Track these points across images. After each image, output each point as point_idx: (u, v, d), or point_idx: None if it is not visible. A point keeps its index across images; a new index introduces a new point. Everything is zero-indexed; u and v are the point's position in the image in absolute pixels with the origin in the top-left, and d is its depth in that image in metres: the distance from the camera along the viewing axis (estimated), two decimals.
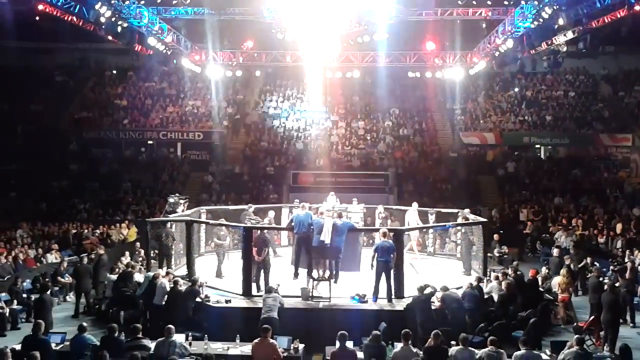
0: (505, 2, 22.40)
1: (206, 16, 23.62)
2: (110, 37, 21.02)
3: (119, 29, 19.57)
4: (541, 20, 18.72)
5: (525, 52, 23.63)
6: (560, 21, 18.74)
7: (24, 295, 14.57)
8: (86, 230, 22.27)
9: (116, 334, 9.76)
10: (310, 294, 12.36)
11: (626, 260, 16.72)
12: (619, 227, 21.23)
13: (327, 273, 12.53)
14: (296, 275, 13.04)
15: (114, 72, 35.85)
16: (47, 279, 15.42)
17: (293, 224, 13.07)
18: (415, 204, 18.12)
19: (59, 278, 16.08)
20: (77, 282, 14.98)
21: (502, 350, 9.07)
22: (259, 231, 13.50)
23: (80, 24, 20.37)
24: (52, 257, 18.53)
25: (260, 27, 24.35)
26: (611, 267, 15.68)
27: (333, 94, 33.26)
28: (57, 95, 33.65)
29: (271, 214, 17.27)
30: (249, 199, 23.14)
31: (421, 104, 34.70)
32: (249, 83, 34.59)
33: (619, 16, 19.47)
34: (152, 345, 9.59)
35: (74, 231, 22.17)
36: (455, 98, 32.82)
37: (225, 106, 33.56)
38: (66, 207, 26.09)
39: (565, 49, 22.18)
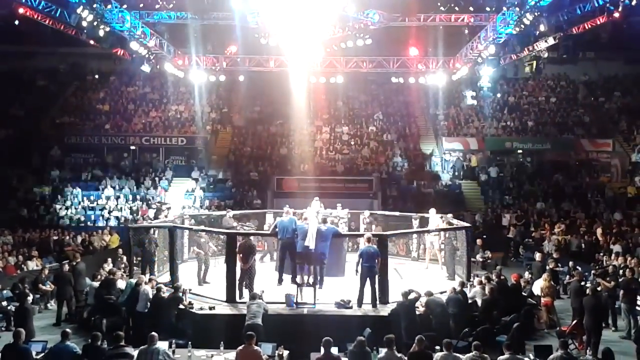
0: (487, 9, 22.60)
1: (189, 21, 23.53)
2: (92, 42, 20.86)
3: (101, 33, 19.43)
4: (522, 26, 18.96)
5: (507, 58, 23.91)
6: (542, 27, 18.98)
7: (4, 304, 14.32)
8: (67, 237, 22.03)
9: (99, 342, 9.64)
10: (295, 300, 12.31)
11: (606, 264, 16.96)
12: (599, 231, 21.46)
13: (312, 279, 12.50)
14: (280, 281, 13.01)
15: (96, 76, 35.57)
16: (25, 286, 15.18)
17: (277, 229, 13.04)
18: (433, 210, 17.85)
19: (40, 285, 15.85)
20: (59, 289, 14.78)
21: (486, 355, 9.09)
22: (243, 237, 13.41)
23: (62, 28, 20.23)
24: (33, 264, 18.28)
25: (244, 32, 24.30)
26: (592, 272, 15.81)
27: (317, 99, 33.27)
28: (38, 99, 33.29)
29: (269, 218, 17.16)
30: (232, 205, 23.08)
31: (405, 109, 34.89)
32: (233, 88, 34.48)
33: (598, 23, 19.82)
34: (134, 353, 9.48)
35: (55, 238, 21.92)
36: (438, 103, 33.05)
37: (208, 111, 33.45)
38: (47, 214, 25.79)
39: (546, 55, 22.45)
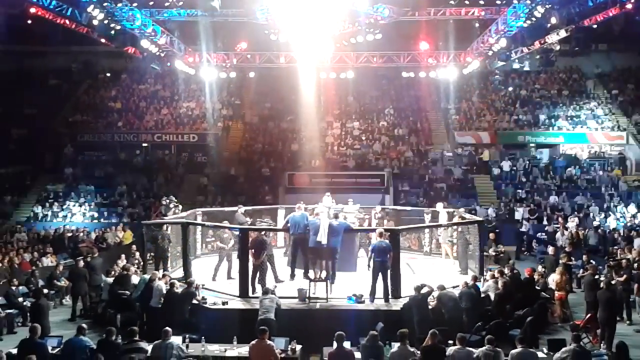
0: (498, 2, 22.49)
1: (199, 18, 23.57)
2: (103, 40, 20.97)
3: (112, 31, 19.54)
4: (534, 19, 18.82)
5: (519, 51, 23.75)
6: (553, 20, 18.83)
7: (20, 300, 14.49)
8: (81, 234, 22.22)
9: (113, 337, 9.73)
10: (307, 295, 12.35)
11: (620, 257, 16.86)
12: (613, 224, 21.32)
13: (324, 274, 12.52)
14: (292, 276, 13.06)
15: (108, 74, 35.76)
16: (38, 281, 15.36)
17: (289, 225, 13.07)
18: (440, 204, 17.97)
19: (55, 281, 16.03)
20: (73, 285, 14.93)
21: (499, 349, 9.07)
22: (256, 233, 13.44)
23: (73, 27, 20.35)
24: (48, 261, 18.47)
25: (254, 28, 24.34)
26: (606, 265, 15.70)
27: (327, 95, 33.23)
28: (50, 98, 33.53)
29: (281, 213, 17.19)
30: (244, 201, 23.14)
31: (415, 104, 34.74)
32: (243, 84, 34.54)
33: (610, 14, 19.60)
34: (148, 347, 9.57)
35: (69, 234, 22.12)
36: (449, 97, 32.91)
37: (219, 108, 33.54)
38: (61, 210, 26.03)
39: (558, 47, 22.28)
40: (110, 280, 14.24)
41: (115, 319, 12.54)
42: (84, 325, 10.11)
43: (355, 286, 12.67)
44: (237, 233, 13.66)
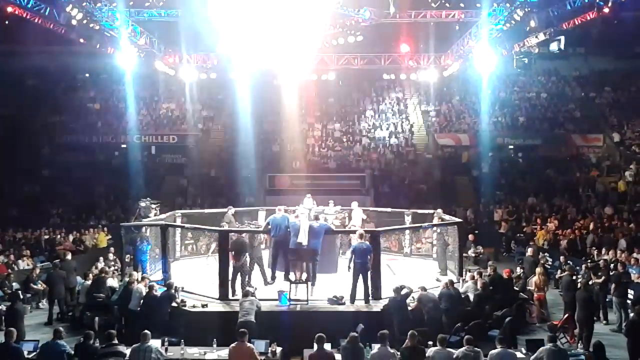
0: (478, 5, 22.67)
1: (180, 18, 23.44)
2: (82, 40, 20.75)
3: (91, 31, 19.34)
4: (513, 22, 19.02)
5: (498, 53, 23.98)
6: (532, 23, 19.05)
7: None
8: (59, 236, 21.92)
9: (91, 341, 9.60)
10: (288, 297, 12.31)
11: (597, 258, 17.07)
12: (591, 226, 21.56)
13: (304, 275, 12.50)
14: (273, 278, 13.01)
15: (87, 75, 35.39)
16: (10, 284, 15.13)
17: (270, 227, 13.03)
18: (355, 203, 18.17)
19: (32, 285, 15.79)
20: (51, 288, 14.71)
21: (478, 349, 9.13)
22: (236, 235, 13.37)
23: (52, 26, 20.07)
24: (24, 264, 18.18)
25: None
26: (584, 265, 15.90)
27: (308, 96, 33.22)
28: (28, 99, 33.07)
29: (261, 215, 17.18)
30: (225, 203, 23.01)
31: (396, 106, 34.87)
32: (224, 86, 34.37)
33: (588, 18, 19.85)
34: (127, 351, 9.46)
35: (46, 237, 21.82)
36: (429, 99, 33.09)
37: (200, 109, 33.35)
38: (38, 213, 25.64)
39: (537, 50, 22.53)
40: (88, 283, 14.06)
41: (94, 322, 12.38)
42: (61, 329, 9.95)
43: (335, 288, 12.66)
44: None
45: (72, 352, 9.48)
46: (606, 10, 18.83)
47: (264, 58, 26.75)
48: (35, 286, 15.83)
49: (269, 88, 31.32)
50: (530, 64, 23.56)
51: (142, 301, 11.99)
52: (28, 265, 18.03)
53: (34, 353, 9.99)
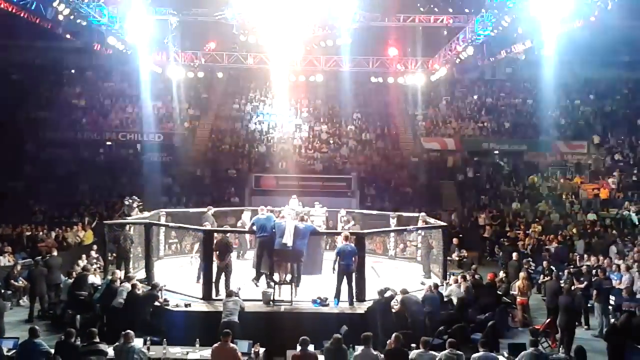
0: (466, 10, 22.82)
1: (168, 16, 23.33)
2: (68, 36, 20.55)
3: (78, 27, 19.17)
4: (501, 28, 19.14)
5: (485, 59, 24.14)
6: (519, 30, 19.19)
7: None
8: (41, 233, 21.68)
9: (72, 339, 9.51)
10: (272, 298, 12.28)
11: (580, 264, 17.24)
12: (574, 232, 21.77)
13: (289, 276, 12.47)
14: (258, 278, 12.95)
15: (72, 71, 35.06)
16: None
17: (254, 227, 12.99)
18: (317, 203, 18.23)
19: (12, 282, 15.60)
20: (32, 285, 14.56)
21: (460, 352, 9.15)
22: (221, 235, 13.31)
23: (38, 21, 19.85)
24: (5, 260, 17.94)
25: (223, 28, 24.19)
26: (567, 271, 16.02)
27: (296, 98, 33.23)
28: (12, 94, 32.68)
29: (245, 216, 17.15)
30: (210, 202, 22.94)
31: (383, 109, 34.96)
32: (211, 84, 34.28)
33: (574, 26, 20.06)
34: (109, 349, 9.38)
35: (28, 233, 21.57)
36: (416, 104, 33.23)
37: (186, 107, 33.20)
38: (20, 209, 25.34)
39: (523, 57, 22.71)
40: (71, 281, 13.93)
41: (75, 320, 12.26)
42: (37, 328, 9.82)
43: (320, 289, 12.65)
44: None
45: (52, 351, 9.37)
46: (592, 18, 19.04)
47: (252, 57, 26.73)
48: (16, 283, 15.64)
49: (256, 88, 31.25)
50: (516, 70, 23.75)
51: (124, 300, 11.87)
52: (9, 262, 17.77)
53: (13, 351, 9.87)
